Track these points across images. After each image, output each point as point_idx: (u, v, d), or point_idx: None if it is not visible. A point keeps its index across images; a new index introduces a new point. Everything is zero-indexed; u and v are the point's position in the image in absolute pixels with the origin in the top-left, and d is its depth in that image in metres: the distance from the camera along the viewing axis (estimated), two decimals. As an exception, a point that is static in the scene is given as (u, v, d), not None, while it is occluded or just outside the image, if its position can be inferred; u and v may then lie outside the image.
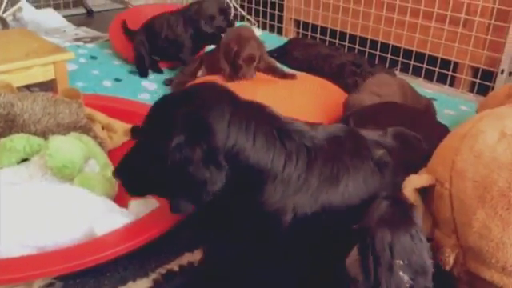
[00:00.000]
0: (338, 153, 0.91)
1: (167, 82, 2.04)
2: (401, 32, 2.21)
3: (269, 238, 0.88)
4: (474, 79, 2.07)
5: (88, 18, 3.16)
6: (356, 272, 0.79)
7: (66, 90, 1.44)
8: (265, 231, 0.88)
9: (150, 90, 2.00)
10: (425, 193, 0.94)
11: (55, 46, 1.88)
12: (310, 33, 2.56)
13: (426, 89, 2.04)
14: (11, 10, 2.73)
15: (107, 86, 2.01)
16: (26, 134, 1.27)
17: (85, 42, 2.49)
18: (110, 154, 1.36)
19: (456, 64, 2.11)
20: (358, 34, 2.36)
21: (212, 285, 0.99)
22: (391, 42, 2.25)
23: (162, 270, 1.04)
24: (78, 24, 2.85)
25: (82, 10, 3.21)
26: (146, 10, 2.41)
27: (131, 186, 1.00)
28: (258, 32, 2.54)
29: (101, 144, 1.34)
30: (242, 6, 2.90)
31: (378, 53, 2.28)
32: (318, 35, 2.51)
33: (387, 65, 2.24)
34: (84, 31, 2.72)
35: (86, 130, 1.34)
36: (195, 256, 1.08)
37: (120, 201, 1.16)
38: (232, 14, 2.86)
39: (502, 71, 1.96)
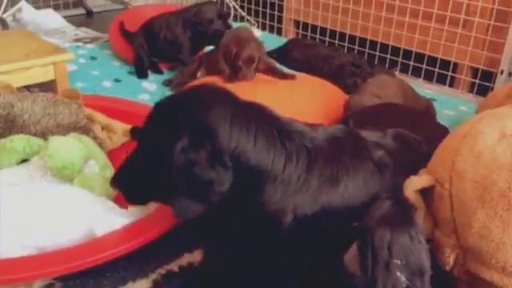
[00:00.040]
0: (338, 154, 0.91)
1: (167, 83, 2.05)
2: (400, 32, 2.21)
3: (269, 239, 0.88)
4: (474, 80, 2.07)
5: (88, 18, 3.16)
6: (354, 268, 0.79)
7: (65, 91, 1.44)
8: (265, 231, 0.88)
9: (149, 90, 2.00)
10: (425, 193, 0.94)
11: (55, 47, 1.88)
12: (309, 33, 2.56)
13: (425, 89, 2.04)
14: (11, 11, 2.74)
15: (107, 86, 2.01)
16: (26, 134, 1.27)
17: (84, 43, 2.49)
18: (110, 154, 1.36)
19: (455, 64, 2.11)
20: (358, 34, 2.36)
21: (212, 285, 0.99)
22: (391, 43, 2.25)
23: (162, 271, 1.04)
24: (78, 24, 2.85)
25: (81, 11, 3.21)
26: (145, 10, 2.41)
27: (131, 194, 0.99)
28: (257, 33, 2.54)
29: (100, 145, 1.34)
30: (242, 7, 2.90)
31: (377, 53, 2.28)
32: (318, 36, 2.51)
33: (387, 65, 2.24)
34: (84, 32, 2.72)
35: (85, 130, 1.34)
36: (195, 257, 1.08)
37: (120, 201, 1.16)
38: (232, 15, 2.87)
39: (502, 72, 1.96)
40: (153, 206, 1.10)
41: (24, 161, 1.24)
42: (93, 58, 2.29)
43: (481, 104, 1.67)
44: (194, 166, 0.82)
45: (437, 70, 2.11)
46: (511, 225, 0.81)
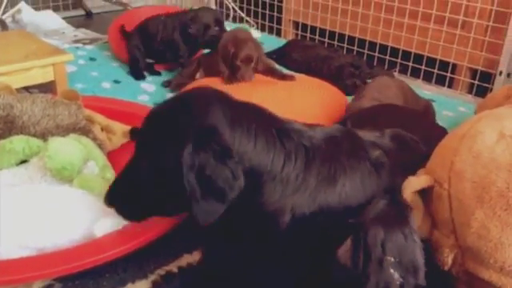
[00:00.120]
0: (336, 153, 0.91)
1: (166, 84, 2.05)
2: (399, 34, 2.21)
3: (268, 238, 0.88)
4: (473, 81, 2.07)
5: (87, 19, 3.16)
6: (346, 261, 0.80)
7: (65, 92, 1.44)
8: (264, 231, 0.88)
9: (148, 91, 2.00)
10: (423, 193, 0.94)
11: (54, 48, 1.88)
12: (308, 34, 2.57)
13: (424, 90, 2.04)
14: (10, 12, 2.74)
15: (106, 87, 2.01)
16: (26, 135, 1.27)
17: (84, 44, 2.49)
18: (109, 155, 1.36)
19: (454, 65, 2.12)
20: (357, 35, 2.36)
21: (211, 285, 0.99)
22: (390, 44, 2.25)
23: (161, 272, 1.04)
24: (77, 26, 2.85)
25: (81, 12, 3.21)
26: (145, 12, 2.41)
27: (128, 211, 0.95)
28: (256, 34, 2.55)
29: (100, 145, 1.34)
30: (241, 8, 2.90)
31: (376, 54, 2.28)
32: (317, 37, 2.51)
33: (386, 66, 2.24)
34: (83, 33, 2.72)
35: (85, 131, 1.34)
36: (194, 257, 1.08)
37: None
38: (231, 16, 2.88)
39: (501, 73, 1.97)
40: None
41: (23, 162, 1.24)
42: (92, 59, 2.29)
43: (480, 105, 1.67)
44: (205, 168, 0.81)
45: (436, 70, 2.12)
46: (510, 225, 0.81)
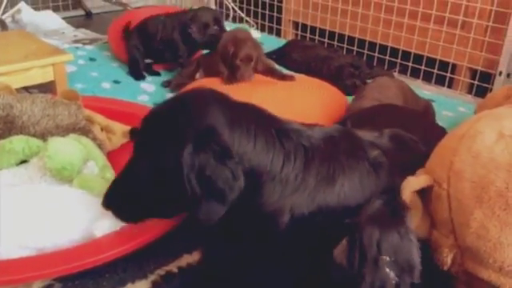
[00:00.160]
0: (334, 153, 0.92)
1: (165, 84, 2.05)
2: (399, 34, 2.22)
3: (267, 239, 0.88)
4: (472, 81, 2.07)
5: (87, 19, 3.16)
6: (341, 260, 0.80)
7: (64, 92, 1.44)
8: (263, 231, 0.88)
9: (148, 91, 2.00)
10: (423, 193, 0.95)
11: (54, 48, 1.88)
12: (308, 35, 2.57)
13: (424, 90, 2.04)
14: (10, 12, 2.74)
15: (106, 87, 2.01)
16: (25, 135, 1.27)
17: (84, 44, 2.49)
18: (109, 155, 1.37)
19: (454, 66, 2.12)
20: (357, 35, 2.36)
21: (211, 285, 0.99)
22: (390, 44, 2.25)
23: (161, 272, 1.04)
24: (77, 26, 2.85)
25: (80, 12, 3.21)
26: (145, 12, 2.40)
27: (126, 213, 0.95)
28: (256, 34, 2.55)
29: (100, 146, 1.34)
30: (241, 8, 2.90)
31: (376, 54, 2.28)
32: (317, 37, 2.51)
33: (386, 66, 2.24)
34: (83, 33, 2.72)
35: (84, 131, 1.34)
36: (194, 257, 1.08)
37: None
38: (231, 16, 2.88)
39: (500, 73, 1.97)
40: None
41: (23, 162, 1.25)
42: (92, 59, 2.29)
43: (479, 105, 1.67)
44: (205, 168, 0.80)
45: (435, 71, 2.12)
46: (509, 224, 0.81)
